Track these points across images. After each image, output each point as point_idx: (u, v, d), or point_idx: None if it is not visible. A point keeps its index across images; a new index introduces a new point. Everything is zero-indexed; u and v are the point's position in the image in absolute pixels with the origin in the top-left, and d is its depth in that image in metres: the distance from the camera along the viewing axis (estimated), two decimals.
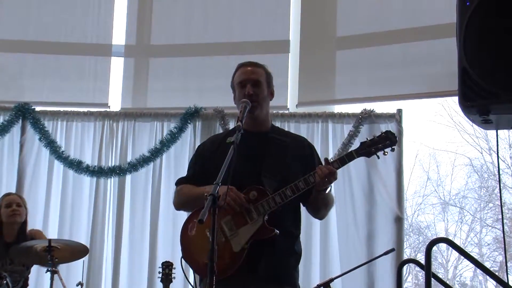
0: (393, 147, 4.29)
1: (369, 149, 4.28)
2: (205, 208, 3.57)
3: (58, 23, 8.51)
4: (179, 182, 4.62)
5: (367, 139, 4.35)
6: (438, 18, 7.27)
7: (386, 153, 4.30)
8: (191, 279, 4.38)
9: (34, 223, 7.10)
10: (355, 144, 7.13)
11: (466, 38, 3.52)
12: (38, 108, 8.18)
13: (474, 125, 3.73)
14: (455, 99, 3.61)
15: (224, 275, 3.92)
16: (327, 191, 4.27)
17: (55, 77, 8.43)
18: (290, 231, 4.37)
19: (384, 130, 4.44)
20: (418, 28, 7.65)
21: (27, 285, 6.60)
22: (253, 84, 4.38)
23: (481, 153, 17.34)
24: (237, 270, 4.10)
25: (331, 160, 4.27)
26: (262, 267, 4.23)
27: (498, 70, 3.44)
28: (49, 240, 6.01)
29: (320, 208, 4.43)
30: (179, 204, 4.62)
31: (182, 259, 4.36)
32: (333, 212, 7.31)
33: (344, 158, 4.27)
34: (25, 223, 6.65)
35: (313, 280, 7.18)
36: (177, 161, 7.82)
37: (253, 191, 4.23)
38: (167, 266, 6.24)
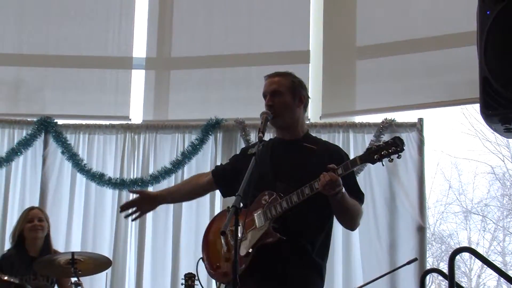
0: (399, 154, 4.21)
1: (373, 155, 4.20)
2: (228, 219, 3.64)
3: (79, 37, 8.55)
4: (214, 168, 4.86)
5: (373, 145, 4.30)
6: (458, 27, 7.24)
7: (391, 160, 4.21)
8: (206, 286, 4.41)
9: (57, 236, 7.16)
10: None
11: (487, 47, 3.50)
12: (60, 122, 8.22)
13: (495, 132, 3.70)
14: (476, 106, 3.58)
15: (229, 278, 3.99)
16: (340, 198, 4.15)
17: (76, 90, 8.46)
18: (306, 242, 4.32)
19: (406, 144, 4.39)
20: (437, 36, 7.62)
21: None
22: (272, 94, 4.39)
23: (503, 161, 17.30)
24: (247, 275, 4.06)
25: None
26: (272, 273, 4.24)
27: None
28: (72, 253, 6.02)
29: (341, 215, 4.37)
30: None
31: (201, 260, 4.46)
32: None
33: (348, 164, 4.20)
34: (48, 236, 6.65)
35: None
36: (199, 172, 7.83)
37: (265, 195, 4.25)
38: (190, 278, 6.23)
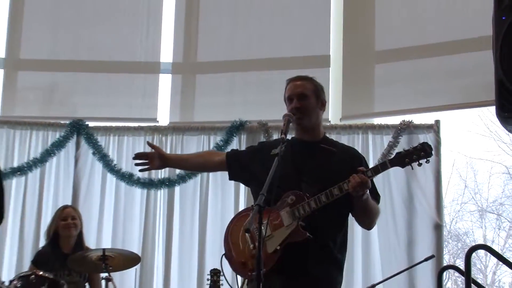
0: (428, 158, 4.25)
1: (403, 159, 4.25)
2: (251, 217, 3.65)
3: (109, 43, 8.60)
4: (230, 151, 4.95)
5: (403, 149, 4.32)
6: (473, 32, 7.22)
7: (420, 164, 4.25)
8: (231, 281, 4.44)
9: (88, 233, 7.19)
10: (392, 154, 7.11)
11: (502, 51, 3.51)
12: (91, 124, 8.27)
13: (510, 134, 3.71)
14: (491, 109, 3.60)
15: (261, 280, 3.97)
16: (365, 198, 4.22)
17: (106, 94, 8.52)
18: (329, 239, 4.34)
19: (421, 141, 4.40)
20: (454, 41, 7.61)
21: None
22: (299, 97, 4.41)
23: None
24: (273, 270, 4.09)
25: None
26: (298, 269, 4.24)
27: None
28: (103, 250, 6.07)
29: (363, 216, 4.41)
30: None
31: (223, 257, 4.43)
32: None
33: (378, 167, 4.25)
34: (80, 234, 6.71)
35: (356, 285, 7.19)
36: (224, 172, 7.83)
37: (292, 195, 4.26)
38: (215, 274, 6.27)
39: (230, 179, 4.83)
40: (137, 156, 4.74)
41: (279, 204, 4.25)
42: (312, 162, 4.38)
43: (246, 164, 4.58)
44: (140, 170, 4.82)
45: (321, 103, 4.52)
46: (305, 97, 4.42)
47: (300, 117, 4.35)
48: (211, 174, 7.89)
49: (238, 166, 4.65)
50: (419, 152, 4.22)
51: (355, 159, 4.46)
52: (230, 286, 4.53)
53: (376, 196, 4.42)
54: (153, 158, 4.71)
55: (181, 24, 8.64)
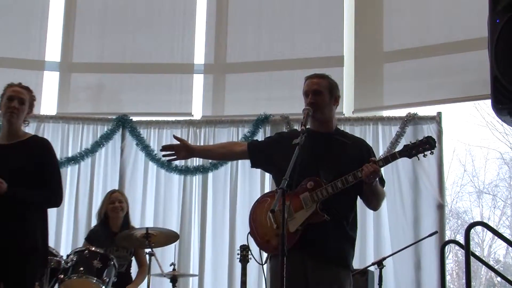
0: (432, 150, 4.26)
1: (410, 151, 4.26)
2: (276, 199, 3.69)
3: (149, 47, 8.62)
4: (251, 142, 4.91)
5: (410, 142, 4.33)
6: (471, 33, 7.20)
7: (425, 156, 4.25)
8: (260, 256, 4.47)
9: (133, 214, 7.21)
10: (401, 143, 7.09)
11: (497, 51, 3.51)
12: (134, 119, 8.30)
13: (504, 124, 3.71)
14: (487, 102, 3.59)
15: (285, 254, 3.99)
16: (374, 184, 4.22)
17: (148, 92, 8.55)
18: (343, 219, 4.34)
19: (425, 132, 4.43)
20: (454, 42, 7.59)
21: (130, 267, 6.70)
22: (314, 93, 4.40)
23: (511, 148, 17.15)
24: (295, 247, 4.09)
25: (378, 158, 4.27)
26: (317, 247, 4.24)
27: None
28: (147, 228, 6.09)
29: (371, 199, 4.40)
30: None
31: (248, 234, 4.46)
32: (384, 201, 7.27)
33: (388, 158, 4.27)
34: (127, 215, 6.77)
35: (368, 258, 7.18)
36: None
37: (311, 181, 4.26)
38: (244, 249, 6.30)
39: (252, 166, 4.80)
40: (164, 148, 4.74)
41: (299, 188, 4.25)
42: (328, 152, 4.38)
43: (267, 153, 4.57)
44: (168, 160, 4.84)
45: (335, 99, 4.51)
46: (319, 93, 4.42)
47: (314, 110, 4.35)
48: (240, 162, 7.90)
49: (259, 155, 4.64)
50: (424, 145, 4.23)
51: (364, 149, 4.46)
52: (256, 261, 4.55)
53: (381, 181, 4.42)
54: (179, 150, 4.69)
55: (212, 30, 8.67)
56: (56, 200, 4.91)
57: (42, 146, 4.93)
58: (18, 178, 4.66)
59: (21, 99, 4.85)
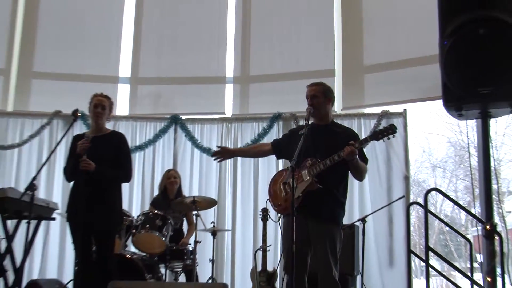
0: (394, 134, 4.31)
1: (377, 135, 4.33)
2: (288, 174, 3.86)
3: (194, 63, 8.54)
4: (273, 141, 4.95)
5: (377, 129, 4.45)
6: (428, 51, 7.11)
7: (389, 138, 4.32)
8: (277, 217, 4.52)
9: (184, 186, 7.26)
10: None
11: (445, 65, 3.49)
12: (184, 117, 8.33)
13: (451, 117, 3.71)
14: (440, 102, 3.59)
15: (287, 211, 4.15)
16: (355, 161, 4.28)
17: (193, 97, 8.52)
18: (333, 188, 4.40)
19: (393, 124, 4.45)
20: (416, 57, 7.55)
21: (182, 224, 6.75)
22: (312, 97, 4.49)
23: (455, 134, 17.26)
24: (299, 210, 4.08)
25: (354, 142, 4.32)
26: (313, 208, 4.29)
27: (465, 83, 3.41)
28: (194, 197, 6.14)
29: (355, 172, 4.45)
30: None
31: (267, 200, 4.57)
32: (367, 175, 7.27)
33: (362, 141, 4.33)
34: (180, 186, 6.84)
35: (354, 216, 7.19)
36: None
37: (308, 160, 4.34)
38: (264, 211, 6.36)
39: (278, 159, 5.04)
40: (215, 154, 4.88)
41: (301, 166, 4.32)
42: (323, 140, 4.43)
43: (284, 147, 4.67)
44: (218, 161, 4.96)
45: (328, 99, 4.56)
46: (316, 97, 4.48)
47: (313, 109, 4.42)
48: None
49: (280, 150, 4.76)
50: (388, 131, 4.32)
51: (351, 136, 4.50)
52: (273, 220, 4.59)
53: (364, 159, 4.47)
54: (224, 153, 4.89)
55: (238, 52, 8.62)
56: (127, 177, 5.10)
57: (119, 139, 5.12)
58: (103, 161, 4.81)
59: (103, 106, 5.06)
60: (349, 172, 4.48)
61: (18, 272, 5.14)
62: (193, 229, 6.50)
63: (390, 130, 4.31)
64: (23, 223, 4.92)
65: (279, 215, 4.50)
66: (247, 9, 8.67)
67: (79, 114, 4.89)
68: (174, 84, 8.54)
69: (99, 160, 4.82)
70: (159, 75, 8.61)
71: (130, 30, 8.84)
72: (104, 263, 4.78)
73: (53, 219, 5.85)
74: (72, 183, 5.06)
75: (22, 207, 4.94)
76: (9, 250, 5.19)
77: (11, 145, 8.10)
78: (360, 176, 4.55)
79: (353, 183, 7.23)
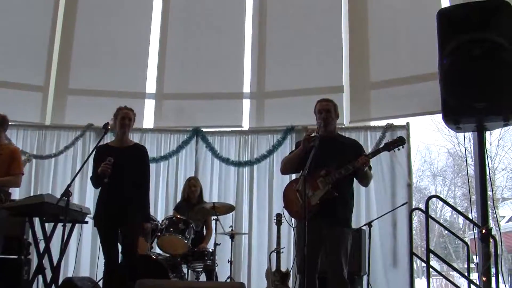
0: (403, 145, 4.39)
1: (389, 147, 4.41)
2: (300, 182, 3.91)
3: (213, 80, 8.55)
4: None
5: (388, 140, 4.47)
6: (429, 68, 7.07)
7: (399, 149, 4.44)
8: (291, 222, 4.53)
9: (205, 193, 7.29)
10: (382, 144, 7.06)
11: (445, 81, 3.52)
12: (204, 129, 8.34)
13: (450, 130, 3.74)
14: (439, 115, 3.61)
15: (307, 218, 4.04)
16: (365, 170, 4.34)
17: (213, 111, 8.50)
18: (345, 194, 4.43)
19: (398, 135, 4.49)
20: (418, 75, 7.53)
21: (203, 227, 6.71)
22: (326, 111, 4.49)
23: (454, 145, 17.14)
24: (314, 215, 4.20)
25: (368, 153, 4.43)
26: (329, 213, 4.31)
27: (462, 99, 3.43)
28: (214, 203, 6.18)
29: (363, 179, 4.51)
30: (283, 165, 4.68)
31: (284, 209, 4.55)
32: (372, 181, 7.24)
33: (375, 152, 4.46)
34: (201, 193, 6.85)
35: (361, 220, 7.17)
36: (282, 157, 7.76)
37: (323, 170, 4.36)
38: (279, 216, 6.38)
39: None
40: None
41: (316, 175, 4.33)
42: (333, 150, 4.44)
43: None
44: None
45: (337, 115, 4.60)
46: (329, 111, 4.50)
47: (325, 123, 4.44)
48: (275, 157, 7.94)
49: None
50: (397, 142, 4.41)
51: (356, 146, 4.59)
52: (289, 224, 4.61)
53: (369, 167, 4.48)
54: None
55: (255, 71, 8.63)
56: (147, 192, 5.16)
57: (142, 152, 5.13)
58: (124, 171, 4.84)
59: (129, 118, 5.11)
60: (354, 179, 4.51)
61: (55, 270, 5.20)
62: (210, 234, 6.53)
63: (400, 142, 4.42)
64: (59, 226, 4.97)
65: (294, 221, 4.51)
66: (263, 30, 8.69)
67: (109, 127, 4.94)
68: (196, 99, 8.55)
69: (121, 170, 4.86)
70: (182, 91, 8.62)
71: (156, 49, 8.92)
72: (129, 258, 4.82)
73: (86, 222, 5.90)
74: (99, 189, 5.13)
75: (58, 211, 5.01)
76: (47, 250, 5.25)
77: (49, 155, 8.22)
78: (367, 183, 4.61)
79: (359, 191, 7.23)
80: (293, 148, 5.16)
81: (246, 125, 8.46)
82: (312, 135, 4.31)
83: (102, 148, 5.13)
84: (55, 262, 5.28)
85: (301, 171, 4.42)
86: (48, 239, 5.30)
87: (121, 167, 4.87)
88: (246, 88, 8.64)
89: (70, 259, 7.61)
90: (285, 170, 4.74)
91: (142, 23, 8.96)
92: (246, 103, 8.60)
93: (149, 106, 8.70)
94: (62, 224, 4.61)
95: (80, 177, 7.88)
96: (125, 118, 5.13)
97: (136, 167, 5.01)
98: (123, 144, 5.14)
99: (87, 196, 7.99)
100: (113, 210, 4.78)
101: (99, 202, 5.02)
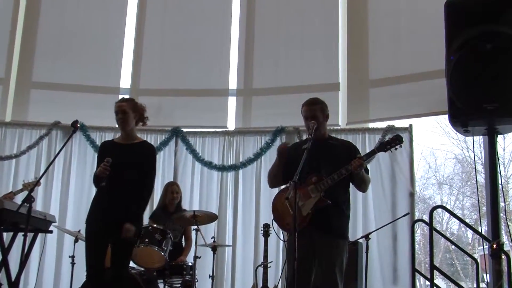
0: (401, 144, 4.37)
1: (385, 147, 4.40)
2: (290, 190, 3.84)
3: (196, 75, 8.57)
4: None
5: (384, 140, 4.48)
6: (433, 66, 7.14)
7: (396, 149, 4.40)
8: (282, 235, 4.51)
9: (184, 199, 7.26)
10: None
11: (451, 80, 3.52)
12: (185, 130, 8.34)
13: (458, 133, 3.73)
14: (445, 117, 3.60)
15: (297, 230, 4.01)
16: (361, 173, 4.33)
17: (194, 110, 8.52)
18: (340, 202, 4.42)
19: (395, 134, 4.50)
20: (421, 72, 7.58)
21: (182, 238, 6.71)
22: (312, 118, 4.45)
23: (462, 150, 17.24)
24: (306, 226, 4.21)
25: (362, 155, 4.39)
26: (322, 224, 4.29)
27: (471, 99, 3.43)
28: (194, 211, 6.15)
29: (360, 183, 4.49)
30: (268, 180, 4.70)
31: (273, 220, 4.51)
32: (369, 190, 7.25)
33: (369, 153, 4.46)
34: (180, 200, 6.83)
35: (358, 233, 7.18)
36: (270, 161, 7.78)
37: (314, 176, 4.35)
38: (266, 226, 6.37)
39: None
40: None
41: (307, 182, 4.32)
42: (324, 153, 4.44)
43: (288, 162, 4.54)
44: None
45: (325, 116, 4.59)
46: (315, 117, 4.45)
47: (316, 125, 4.39)
48: (262, 161, 7.94)
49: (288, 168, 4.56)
50: (394, 141, 4.40)
51: (350, 148, 4.57)
52: (278, 236, 4.59)
53: (366, 170, 4.54)
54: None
55: (242, 64, 8.65)
56: (150, 191, 5.00)
57: (147, 150, 5.03)
58: (126, 170, 4.74)
59: (123, 111, 4.96)
60: (350, 184, 4.51)
61: (13, 285, 5.13)
62: (190, 245, 6.51)
63: (397, 140, 4.38)
64: (20, 235, 4.91)
65: (287, 234, 4.49)
66: (251, 20, 8.72)
67: (78, 125, 4.86)
68: (176, 96, 8.56)
69: (123, 169, 4.77)
70: (160, 87, 8.62)
71: (131, 40, 8.89)
72: (119, 273, 4.71)
73: (50, 232, 5.84)
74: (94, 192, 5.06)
75: (19, 219, 4.95)
76: (4, 262, 5.18)
77: (9, 156, 8.12)
78: (365, 188, 4.59)
79: (356, 199, 7.24)
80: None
81: (231, 125, 8.47)
82: (304, 138, 4.32)
83: (106, 144, 5.09)
84: (13, 277, 5.22)
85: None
86: (6, 250, 5.23)
87: (121, 166, 4.77)
88: (232, 84, 8.64)
89: (31, 273, 7.52)
90: (271, 184, 4.75)
91: (117, 11, 8.94)
92: (232, 101, 8.60)
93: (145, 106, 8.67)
94: (22, 233, 4.54)
95: (45, 181, 7.81)
96: (117, 112, 5.02)
97: (137, 167, 4.86)
98: (127, 140, 5.03)
99: (52, 203, 7.91)
100: (108, 217, 4.68)
101: (94, 205, 4.91)
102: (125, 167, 4.78)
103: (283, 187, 7.33)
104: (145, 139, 8.09)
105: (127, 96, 5.16)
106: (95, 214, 4.81)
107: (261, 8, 8.73)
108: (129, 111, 4.99)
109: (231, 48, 8.73)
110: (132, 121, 5.02)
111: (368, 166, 4.59)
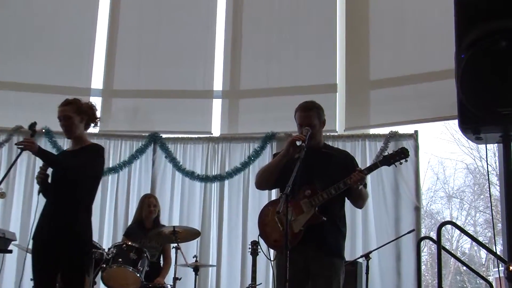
0: (406, 159, 4.36)
1: (389, 160, 4.37)
2: (281, 203, 3.74)
3: (177, 76, 8.57)
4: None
5: (388, 153, 4.47)
6: (441, 65, 7.18)
7: (401, 163, 4.38)
8: (268, 253, 4.49)
9: (163, 214, 7.23)
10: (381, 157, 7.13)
11: (462, 80, 3.52)
12: (164, 136, 8.32)
13: (469, 140, 3.72)
14: (455, 122, 3.60)
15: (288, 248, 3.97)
16: (360, 188, 4.31)
17: (175, 113, 8.52)
18: (336, 218, 4.41)
19: (403, 147, 4.49)
20: (428, 72, 7.61)
21: (160, 257, 6.68)
22: (307, 125, 4.38)
23: (474, 160, 17.29)
24: (299, 244, 4.16)
25: (363, 168, 4.35)
26: (316, 242, 4.27)
27: (484, 103, 3.43)
28: (174, 227, 6.12)
29: (358, 200, 4.48)
30: (258, 177, 4.61)
31: (259, 237, 4.47)
32: (370, 203, 7.30)
33: (372, 167, 4.39)
34: (158, 215, 6.81)
35: (357, 251, 7.17)
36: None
37: (308, 189, 4.32)
38: (254, 244, 6.35)
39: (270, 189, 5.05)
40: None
41: (299, 196, 4.30)
42: (318, 163, 4.41)
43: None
44: None
45: (322, 123, 4.54)
46: (311, 125, 4.40)
47: (311, 131, 4.34)
48: (251, 171, 7.92)
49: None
50: (399, 155, 4.37)
51: (348, 159, 4.55)
52: (266, 256, 4.55)
53: (364, 185, 4.48)
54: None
55: (228, 63, 8.66)
56: (71, 167, 4.82)
57: (87, 151, 4.91)
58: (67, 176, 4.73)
59: (65, 116, 4.86)
60: (345, 199, 4.50)
61: None
62: (169, 265, 6.49)
63: (402, 154, 4.36)
64: None
65: (273, 252, 4.47)
66: (239, 16, 8.73)
67: (37, 128, 4.80)
68: (154, 98, 8.54)
69: (66, 175, 4.76)
70: (136, 88, 8.61)
71: (104, 36, 8.86)
72: None
73: (10, 251, 5.74)
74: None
75: None
76: None
77: None
78: (362, 204, 4.59)
79: (355, 214, 7.24)
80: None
81: (216, 131, 8.47)
82: (298, 144, 4.26)
83: (61, 154, 5.12)
84: None
85: (279, 190, 4.38)
86: None
87: (64, 173, 4.77)
88: (217, 85, 8.65)
89: None
90: (260, 182, 4.62)
91: (87, 4, 8.90)
92: (217, 104, 8.61)
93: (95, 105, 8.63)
94: None
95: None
96: (60, 119, 4.97)
97: (79, 172, 4.82)
98: (76, 146, 5.00)
99: (12, 218, 7.86)
100: (51, 231, 4.65)
101: (39, 219, 4.88)
102: (66, 175, 4.79)
103: (273, 196, 7.36)
104: (119, 147, 8.27)
105: (71, 97, 5.06)
106: (41, 223, 4.77)
107: (249, 3, 8.75)
108: (73, 115, 4.85)
109: (216, 45, 8.74)
110: (79, 125, 4.88)
111: (368, 177, 4.56)
